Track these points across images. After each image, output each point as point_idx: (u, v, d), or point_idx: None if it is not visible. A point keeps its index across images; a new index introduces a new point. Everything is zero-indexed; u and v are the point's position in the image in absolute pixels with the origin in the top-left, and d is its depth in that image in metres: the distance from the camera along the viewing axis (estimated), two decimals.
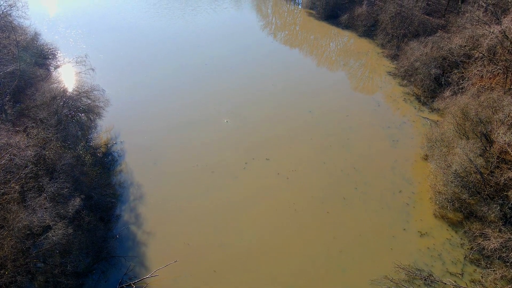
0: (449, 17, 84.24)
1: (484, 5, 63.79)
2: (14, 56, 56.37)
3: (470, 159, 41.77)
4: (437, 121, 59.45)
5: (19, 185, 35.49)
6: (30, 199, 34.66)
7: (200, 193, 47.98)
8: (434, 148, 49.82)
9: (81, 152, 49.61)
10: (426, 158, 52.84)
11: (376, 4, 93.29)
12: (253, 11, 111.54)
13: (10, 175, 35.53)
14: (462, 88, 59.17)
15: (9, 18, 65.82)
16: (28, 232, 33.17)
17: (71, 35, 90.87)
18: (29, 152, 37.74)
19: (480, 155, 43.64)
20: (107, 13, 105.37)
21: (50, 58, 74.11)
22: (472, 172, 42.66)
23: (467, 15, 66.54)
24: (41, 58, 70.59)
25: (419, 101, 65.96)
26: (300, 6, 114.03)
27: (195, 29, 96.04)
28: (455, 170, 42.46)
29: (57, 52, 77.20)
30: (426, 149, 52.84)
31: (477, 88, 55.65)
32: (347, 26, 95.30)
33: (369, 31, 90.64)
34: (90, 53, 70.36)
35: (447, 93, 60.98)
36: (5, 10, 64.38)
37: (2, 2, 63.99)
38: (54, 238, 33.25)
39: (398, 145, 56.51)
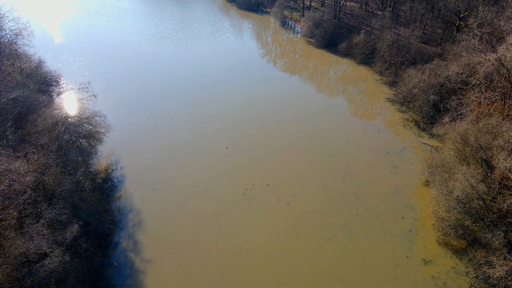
0: (445, 45, 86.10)
1: (479, 34, 65.28)
2: (18, 83, 57.22)
3: (472, 185, 41.53)
4: (437, 147, 59.55)
5: (17, 211, 35.13)
6: (28, 226, 34.23)
7: (199, 219, 47.41)
8: (435, 174, 49.64)
9: (80, 177, 49.39)
10: (427, 184, 52.55)
11: (373, 33, 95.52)
12: (254, 40, 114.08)
13: (9, 201, 35.22)
14: (460, 114, 59.63)
15: (15, 46, 67.41)
16: (24, 259, 32.51)
17: (74, 63, 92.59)
18: (29, 177, 37.59)
19: (481, 181, 43.40)
20: (111, 41, 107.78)
21: (53, 85, 75.22)
22: (474, 198, 42.29)
23: (462, 43, 68.03)
24: (45, 85, 71.65)
25: (419, 127, 66.33)
26: (299, 35, 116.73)
27: (197, 57, 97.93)
28: (457, 196, 42.14)
29: (61, 79, 78.50)
30: (427, 175, 52.65)
31: (476, 114, 56.08)
32: (345, 54, 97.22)
33: (367, 59, 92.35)
34: (93, 80, 71.70)
35: (446, 119, 61.40)
36: (11, 39, 65.99)
37: (8, 31, 65.64)
38: (50, 265, 32.58)
39: (399, 171, 56.35)
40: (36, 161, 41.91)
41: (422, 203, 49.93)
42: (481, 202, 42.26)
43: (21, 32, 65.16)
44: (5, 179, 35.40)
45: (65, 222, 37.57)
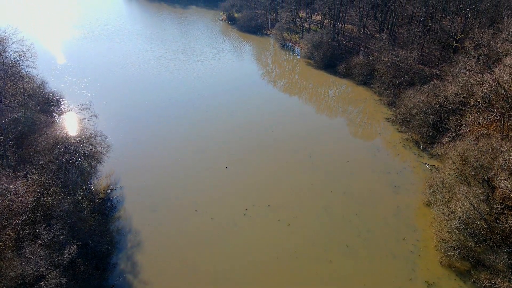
0: (442, 66, 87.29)
1: (476, 55, 66.32)
2: (20, 103, 57.59)
3: (474, 206, 41.25)
4: (437, 167, 59.48)
5: (15, 232, 34.77)
6: (25, 247, 33.80)
7: (199, 240, 46.84)
8: (436, 194, 49.40)
9: (80, 198, 49.11)
10: (428, 204, 52.21)
11: (372, 54, 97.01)
12: (254, 61, 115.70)
13: (7, 222, 34.91)
14: (460, 134, 59.87)
15: (18, 67, 68.18)
16: (21, 281, 31.96)
17: (77, 84, 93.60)
18: (28, 198, 37.37)
19: (483, 202, 43.11)
20: (113, 63, 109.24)
21: (55, 105, 75.69)
22: (476, 219, 41.92)
23: (460, 64, 68.99)
24: (46, 105, 72.12)
25: (418, 147, 66.44)
26: (298, 56, 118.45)
27: (198, 78, 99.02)
28: (459, 217, 41.79)
29: (62, 100, 79.04)
30: (428, 195, 52.38)
31: (475, 134, 56.30)
32: (344, 75, 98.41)
33: (366, 80, 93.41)
34: (94, 100, 72.30)
35: (446, 139, 61.59)
36: (14, 60, 66.82)
37: (12, 53, 66.59)
38: None
39: (400, 191, 56.08)
40: (35, 181, 41.77)
41: (424, 224, 49.46)
42: (483, 223, 41.86)
43: (24, 53, 65.99)
44: (4, 199, 35.17)
45: (63, 243, 37.14)
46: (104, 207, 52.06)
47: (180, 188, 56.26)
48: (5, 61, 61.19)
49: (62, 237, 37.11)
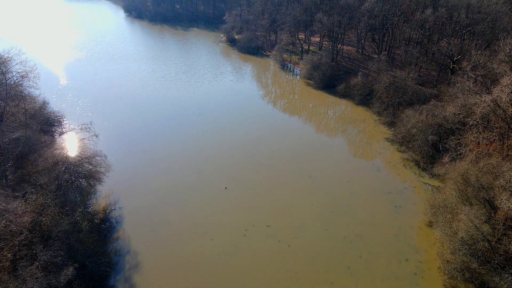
0: (440, 87, 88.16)
1: (473, 76, 67.06)
2: (21, 123, 57.88)
3: (476, 226, 40.85)
4: (438, 186, 59.24)
5: (12, 253, 34.29)
6: (22, 268, 33.26)
7: (198, 262, 46.15)
8: (438, 214, 48.99)
9: (78, 218, 48.62)
10: (430, 224, 51.70)
11: (370, 75, 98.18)
12: (254, 81, 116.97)
13: (4, 243, 34.49)
14: (460, 154, 59.88)
15: (20, 88, 68.85)
16: None
17: (78, 104, 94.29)
18: (26, 218, 37.06)
19: (485, 222, 42.76)
20: (115, 83, 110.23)
21: (56, 125, 76.00)
22: (479, 239, 41.44)
23: (458, 85, 69.73)
24: (47, 125, 72.42)
25: (419, 167, 66.35)
26: (298, 77, 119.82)
27: (199, 98, 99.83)
28: (462, 238, 41.31)
29: (63, 120, 79.42)
30: (429, 216, 51.95)
31: (475, 154, 56.31)
32: (343, 95, 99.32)
33: (365, 100, 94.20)
34: (95, 120, 72.61)
35: (446, 159, 61.57)
36: (17, 81, 67.59)
37: (15, 73, 67.42)
38: None
39: (401, 211, 55.64)
40: (34, 201, 41.50)
41: (426, 245, 48.84)
42: (486, 244, 41.35)
43: (27, 74, 66.80)
44: (2, 219, 34.87)
45: (60, 265, 36.56)
46: (103, 228, 51.52)
47: (179, 209, 55.84)
48: (8, 81, 61.96)
49: (59, 258, 36.59)
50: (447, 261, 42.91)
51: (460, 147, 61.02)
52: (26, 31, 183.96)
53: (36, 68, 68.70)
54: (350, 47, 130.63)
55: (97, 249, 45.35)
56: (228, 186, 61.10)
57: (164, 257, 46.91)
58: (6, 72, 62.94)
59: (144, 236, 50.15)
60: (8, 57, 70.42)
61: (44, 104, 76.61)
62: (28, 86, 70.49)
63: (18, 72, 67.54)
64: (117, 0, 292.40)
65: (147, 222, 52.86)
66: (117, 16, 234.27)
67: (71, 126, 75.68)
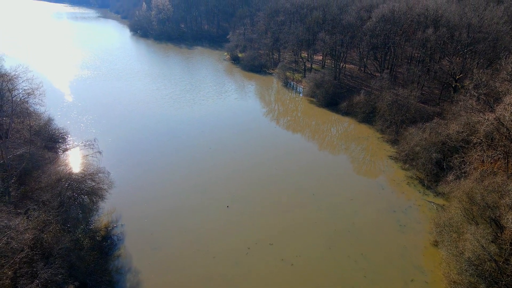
0: (443, 105, 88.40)
1: (476, 94, 67.26)
2: (26, 140, 58.28)
3: (483, 246, 40.15)
4: (443, 205, 58.63)
5: (13, 270, 33.93)
6: (22, 286, 32.86)
7: (200, 280, 45.44)
8: (444, 233, 48.29)
9: (80, 235, 48.32)
10: (436, 244, 50.90)
11: (373, 93, 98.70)
12: (257, 99, 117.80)
13: (4, 260, 34.18)
14: (464, 172, 59.45)
15: (26, 105, 69.65)
16: None
17: (82, 121, 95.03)
18: (27, 235, 36.84)
19: (492, 242, 42.03)
20: (120, 101, 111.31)
21: (60, 142, 76.53)
22: (486, 260, 40.64)
23: (460, 103, 69.83)
24: (52, 141, 72.92)
25: (423, 185, 65.85)
26: (301, 95, 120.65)
27: (203, 116, 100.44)
28: (468, 258, 40.56)
29: (67, 136, 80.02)
30: (435, 235, 51.21)
31: (480, 172, 55.88)
32: (346, 113, 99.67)
33: (368, 118, 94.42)
34: (99, 137, 73.05)
35: (450, 177, 61.11)
36: (23, 98, 68.43)
37: (21, 91, 68.32)
38: None
39: (406, 230, 54.93)
40: (36, 218, 41.33)
41: (432, 265, 47.97)
42: (493, 264, 40.53)
43: (33, 91, 67.60)
44: (4, 236, 34.67)
45: (61, 283, 36.14)
46: (104, 245, 51.03)
47: (181, 226, 55.39)
48: (14, 98, 62.72)
49: (60, 276, 36.16)
50: (454, 281, 42.06)
51: (464, 165, 60.65)
52: (34, 49, 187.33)
53: (42, 86, 69.52)
54: (353, 66, 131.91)
55: (98, 267, 44.82)
56: (231, 204, 60.72)
57: (166, 275, 46.26)
58: (13, 89, 63.76)
59: (146, 254, 49.61)
60: (15, 75, 71.55)
61: (49, 121, 77.34)
62: (33, 103, 71.24)
63: (25, 90, 68.39)
64: (123, 20, 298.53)
65: (148, 240, 52.38)
66: (123, 35, 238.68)
67: (75, 143, 76.17)
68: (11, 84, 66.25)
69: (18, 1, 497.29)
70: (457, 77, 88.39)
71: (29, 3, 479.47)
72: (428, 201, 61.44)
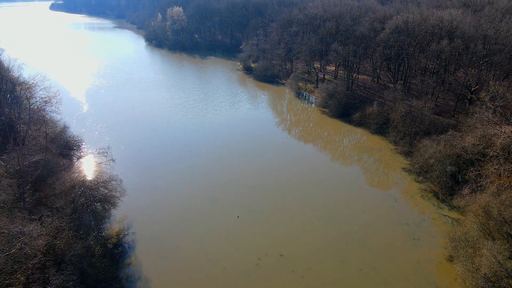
0: (458, 117, 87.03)
1: (492, 106, 66.10)
2: (42, 147, 59.43)
3: (500, 262, 39.05)
4: (458, 219, 57.35)
5: (25, 276, 34.30)
6: None
7: None
8: (459, 248, 47.14)
9: (92, 242, 48.75)
10: (451, 259, 49.64)
11: (386, 104, 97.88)
12: (269, 109, 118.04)
13: (18, 265, 34.60)
14: (480, 186, 58.19)
15: (43, 112, 71.34)
16: None
17: (97, 128, 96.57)
18: (41, 241, 37.30)
19: (509, 258, 40.85)
20: (133, 110, 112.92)
21: (74, 149, 77.79)
22: (503, 276, 39.47)
23: (476, 115, 68.67)
24: (67, 149, 74.18)
25: (437, 198, 64.61)
26: (313, 105, 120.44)
27: (215, 125, 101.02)
28: (485, 274, 39.48)
29: (82, 144, 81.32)
30: (450, 250, 50.00)
31: (496, 186, 54.65)
32: (359, 124, 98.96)
33: (381, 129, 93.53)
34: (112, 145, 74.02)
35: (466, 190, 59.87)
36: (40, 105, 70.15)
37: (38, 99, 70.10)
38: None
39: (420, 244, 53.80)
40: (49, 224, 41.88)
41: (447, 280, 46.74)
42: (510, 281, 39.32)
43: (50, 100, 69.37)
44: (18, 242, 35.16)
45: None
46: (115, 253, 51.31)
47: (192, 235, 55.36)
48: (31, 106, 64.31)
49: (71, 283, 36.43)
50: None
51: (480, 178, 59.40)
52: (52, 58, 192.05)
53: (59, 94, 71.31)
54: (366, 76, 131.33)
55: (108, 275, 45.02)
56: (241, 214, 60.52)
57: (175, 284, 46.16)
58: (30, 97, 65.48)
59: (156, 263, 49.66)
60: (33, 83, 73.57)
61: (65, 128, 78.84)
62: (50, 111, 73.04)
63: (42, 98, 70.26)
64: (138, 30, 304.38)
65: (159, 248, 52.48)
66: (138, 45, 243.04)
67: (89, 150, 77.32)
68: (29, 92, 68.09)
69: (37, 11, 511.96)
70: (473, 89, 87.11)
71: (47, 13, 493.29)
72: (443, 215, 60.19)
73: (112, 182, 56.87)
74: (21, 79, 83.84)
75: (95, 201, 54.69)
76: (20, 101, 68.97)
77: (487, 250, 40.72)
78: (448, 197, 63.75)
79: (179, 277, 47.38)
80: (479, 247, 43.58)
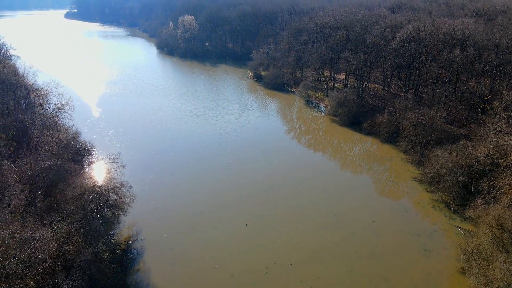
0: (471, 126, 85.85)
1: (506, 116, 65.08)
2: (54, 152, 60.31)
3: None
4: (471, 230, 56.26)
5: (35, 281, 34.57)
6: None
7: None
8: (471, 260, 46.15)
9: (101, 248, 48.99)
10: (463, 271, 48.62)
11: (397, 113, 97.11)
12: (279, 117, 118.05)
13: (28, 270, 34.91)
14: (494, 197, 57.09)
15: (56, 119, 72.49)
16: None
17: (108, 135, 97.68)
18: (51, 246, 37.62)
19: None
20: (144, 117, 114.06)
21: (86, 155, 78.67)
22: None
23: (489, 125, 67.63)
24: (78, 155, 75.06)
25: (449, 209, 63.54)
26: (323, 113, 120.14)
27: (225, 132, 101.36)
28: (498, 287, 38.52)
29: (93, 150, 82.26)
30: (462, 262, 48.99)
31: (510, 197, 53.55)
32: (369, 132, 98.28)
33: (391, 138, 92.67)
34: (123, 151, 74.68)
35: (479, 201, 58.78)
36: (53, 112, 71.34)
37: (51, 105, 71.35)
38: None
39: (431, 255, 52.84)
40: (60, 229, 42.27)
41: None
42: None
43: (63, 106, 70.55)
44: (28, 247, 35.51)
45: None
46: (124, 259, 51.48)
47: (200, 243, 55.33)
48: (44, 112, 65.42)
49: None
50: None
51: (493, 189, 58.31)
52: (65, 65, 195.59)
53: (72, 101, 72.41)
54: (376, 85, 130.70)
55: (117, 281, 45.14)
56: (250, 221, 60.33)
57: None
58: (44, 103, 66.63)
59: (164, 269, 49.67)
60: (47, 90, 74.89)
61: (77, 134, 79.88)
62: (63, 117, 74.15)
63: (55, 104, 71.49)
64: (150, 38, 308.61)
65: (168, 254, 52.53)
66: (150, 53, 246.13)
67: (100, 157, 78.14)
68: (43, 98, 69.29)
69: (52, 20, 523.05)
70: (485, 98, 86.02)
71: (62, 21, 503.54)
72: (455, 226, 59.13)
73: (122, 188, 57.31)
74: (35, 86, 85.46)
75: (105, 207, 55.13)
76: (34, 107, 70.19)
77: (501, 263, 39.78)
78: (460, 208, 62.68)
79: (187, 285, 47.28)
80: (492, 259, 42.61)
